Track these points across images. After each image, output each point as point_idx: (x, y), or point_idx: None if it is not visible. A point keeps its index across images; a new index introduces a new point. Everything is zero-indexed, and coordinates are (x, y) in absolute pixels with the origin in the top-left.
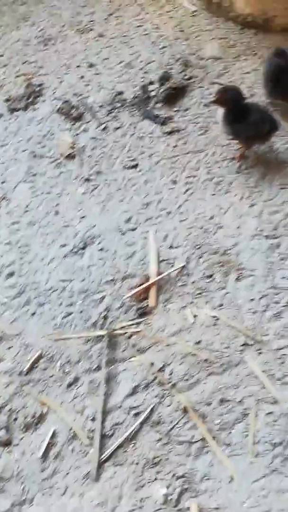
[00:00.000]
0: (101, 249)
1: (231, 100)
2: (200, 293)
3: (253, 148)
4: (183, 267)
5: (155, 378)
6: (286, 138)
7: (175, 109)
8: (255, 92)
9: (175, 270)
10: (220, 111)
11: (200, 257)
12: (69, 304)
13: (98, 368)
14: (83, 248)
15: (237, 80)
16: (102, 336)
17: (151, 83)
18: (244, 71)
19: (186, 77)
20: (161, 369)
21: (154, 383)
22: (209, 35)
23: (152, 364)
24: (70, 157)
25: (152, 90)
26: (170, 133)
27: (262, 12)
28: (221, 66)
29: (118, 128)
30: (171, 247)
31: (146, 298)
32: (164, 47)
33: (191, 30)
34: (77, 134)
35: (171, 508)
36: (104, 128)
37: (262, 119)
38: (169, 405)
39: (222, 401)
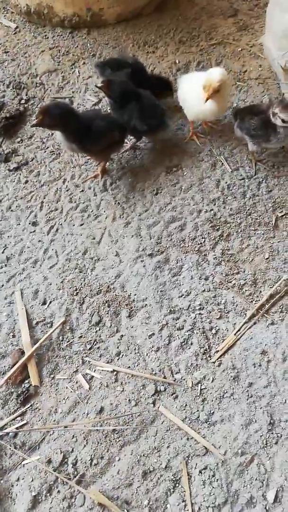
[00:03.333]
0: None
1: (58, 120)
2: (91, 347)
3: (113, 158)
4: (64, 322)
5: (57, 477)
6: (146, 140)
7: (18, 139)
8: (104, 94)
9: (55, 330)
10: (57, 132)
11: (82, 303)
12: None
13: None
14: None
15: (80, 88)
16: None
17: None
18: (86, 76)
19: (22, 101)
20: (63, 463)
21: (58, 483)
22: (38, 49)
23: (49, 460)
24: None
25: None
26: (17, 168)
27: (86, 10)
28: (59, 78)
29: None
30: (44, 303)
31: (26, 377)
32: None
33: (16, 49)
34: None
35: None
36: None
37: (108, 127)
38: (81, 506)
39: (145, 474)
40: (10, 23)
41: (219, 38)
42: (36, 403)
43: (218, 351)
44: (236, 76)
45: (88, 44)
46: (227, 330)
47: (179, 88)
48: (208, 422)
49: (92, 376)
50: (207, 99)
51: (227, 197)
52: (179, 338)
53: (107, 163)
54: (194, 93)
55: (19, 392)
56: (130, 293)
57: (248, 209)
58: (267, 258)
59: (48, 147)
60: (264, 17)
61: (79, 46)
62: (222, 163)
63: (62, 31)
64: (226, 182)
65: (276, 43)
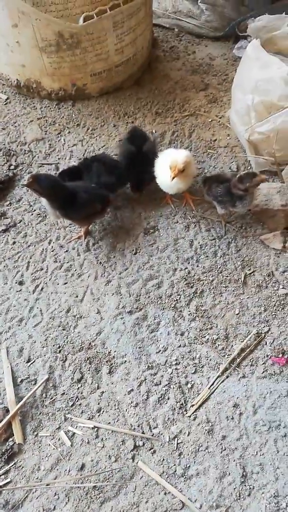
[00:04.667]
0: None
1: (45, 190)
2: (73, 404)
3: (95, 222)
4: (47, 380)
5: None
6: (126, 202)
7: (7, 203)
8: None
9: (39, 387)
10: (43, 199)
11: (65, 361)
12: None
13: None
14: None
15: (65, 155)
16: None
17: None
18: (71, 144)
19: (12, 167)
20: None
21: None
22: (27, 119)
23: None
24: None
25: None
26: (5, 230)
27: (71, 85)
28: (46, 146)
29: None
30: (29, 360)
31: (10, 435)
32: None
33: (7, 119)
34: None
35: None
36: None
37: (91, 199)
38: None
39: None
40: (1, 94)
41: (192, 110)
42: (20, 461)
43: (193, 405)
44: (207, 145)
45: (73, 115)
46: (202, 384)
47: (155, 164)
48: (184, 476)
49: (74, 433)
50: (172, 178)
51: (200, 256)
52: (156, 393)
53: (89, 226)
54: (163, 169)
55: (3, 450)
56: (111, 350)
57: (219, 267)
58: (237, 314)
59: (35, 210)
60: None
61: (65, 116)
62: (195, 225)
63: (49, 103)
64: (199, 242)
65: (240, 119)
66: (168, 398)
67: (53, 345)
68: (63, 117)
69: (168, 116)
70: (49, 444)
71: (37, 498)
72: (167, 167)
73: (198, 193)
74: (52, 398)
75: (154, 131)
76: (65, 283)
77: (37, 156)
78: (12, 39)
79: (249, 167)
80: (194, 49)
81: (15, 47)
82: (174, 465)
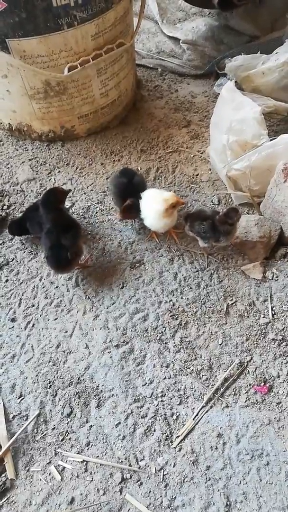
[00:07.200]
0: None
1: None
2: (63, 438)
3: (84, 256)
4: (38, 415)
5: None
6: (113, 239)
7: (0, 242)
8: (76, 199)
9: (30, 422)
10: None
11: (55, 396)
12: None
13: None
14: None
15: None
16: None
17: None
18: (61, 183)
19: (4, 207)
20: None
21: None
22: (19, 160)
23: None
24: None
25: None
26: None
27: (60, 127)
28: (37, 185)
29: None
30: (20, 396)
31: (3, 471)
32: None
33: (0, 160)
34: None
35: None
36: None
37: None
38: None
39: None
40: None
41: (175, 146)
42: (12, 496)
43: (178, 436)
44: (189, 179)
45: (63, 155)
46: (187, 415)
47: (141, 205)
48: (170, 507)
49: (64, 467)
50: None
51: (184, 288)
52: (143, 426)
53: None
54: (151, 211)
55: None
56: (99, 384)
57: (203, 299)
58: (220, 344)
59: (27, 248)
60: None
61: (55, 156)
62: (179, 258)
63: (40, 144)
64: (182, 275)
65: (218, 156)
66: (154, 430)
67: (44, 381)
68: (53, 157)
69: (153, 153)
70: (40, 479)
71: None
72: (154, 206)
73: (180, 226)
74: (43, 433)
75: (139, 168)
76: (55, 319)
77: (29, 195)
78: (3, 88)
79: (229, 200)
80: (177, 87)
81: (6, 95)
82: (161, 496)
